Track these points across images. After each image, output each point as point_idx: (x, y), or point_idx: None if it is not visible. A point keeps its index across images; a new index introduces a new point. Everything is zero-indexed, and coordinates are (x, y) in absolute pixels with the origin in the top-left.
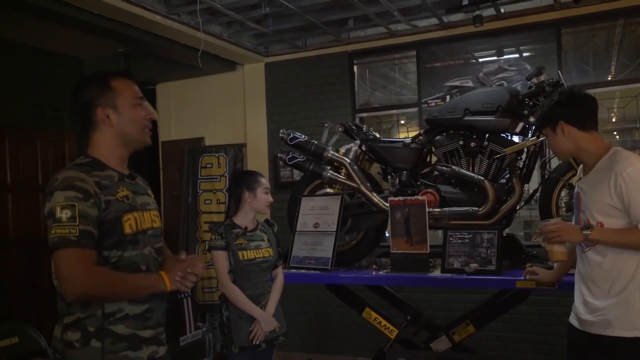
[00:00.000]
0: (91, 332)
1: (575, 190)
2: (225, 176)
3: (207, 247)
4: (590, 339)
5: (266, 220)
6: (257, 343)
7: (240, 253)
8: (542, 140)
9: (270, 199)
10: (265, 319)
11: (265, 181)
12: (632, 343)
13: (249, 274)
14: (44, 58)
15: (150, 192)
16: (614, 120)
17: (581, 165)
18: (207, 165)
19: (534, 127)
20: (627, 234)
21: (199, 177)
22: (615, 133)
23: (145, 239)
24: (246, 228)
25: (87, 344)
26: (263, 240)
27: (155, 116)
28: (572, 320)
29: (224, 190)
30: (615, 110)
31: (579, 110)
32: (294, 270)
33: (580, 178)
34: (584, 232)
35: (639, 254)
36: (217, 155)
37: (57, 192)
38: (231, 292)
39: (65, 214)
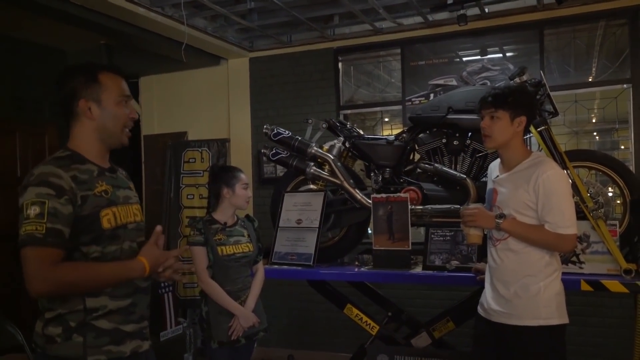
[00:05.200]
0: (73, 327)
1: (491, 186)
2: (208, 171)
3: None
4: (498, 328)
5: (247, 216)
6: (236, 338)
7: (219, 248)
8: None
9: (249, 194)
10: (244, 315)
11: (244, 176)
12: (538, 330)
13: (228, 270)
14: (25, 49)
15: (131, 185)
16: (594, 121)
17: (498, 164)
18: (190, 160)
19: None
20: (534, 230)
21: (182, 171)
22: (595, 134)
23: (126, 233)
24: (225, 223)
25: (69, 338)
26: (243, 236)
27: (137, 115)
28: (480, 310)
29: (206, 185)
30: (595, 111)
31: (534, 116)
32: (276, 266)
33: (497, 176)
34: (497, 220)
35: (543, 251)
36: (200, 150)
37: (30, 187)
38: (210, 288)
39: (33, 211)
